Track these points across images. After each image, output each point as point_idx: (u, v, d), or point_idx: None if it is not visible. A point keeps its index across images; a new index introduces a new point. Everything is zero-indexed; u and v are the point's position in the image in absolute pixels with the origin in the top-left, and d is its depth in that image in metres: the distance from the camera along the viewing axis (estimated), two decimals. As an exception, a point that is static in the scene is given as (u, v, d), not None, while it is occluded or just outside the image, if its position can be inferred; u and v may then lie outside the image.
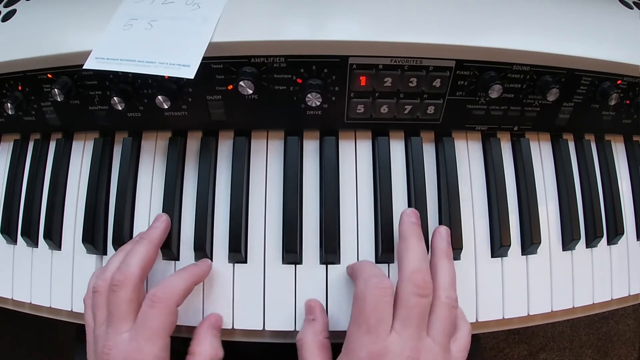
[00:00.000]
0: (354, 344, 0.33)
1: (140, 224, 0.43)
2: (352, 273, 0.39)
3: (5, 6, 0.46)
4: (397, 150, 0.44)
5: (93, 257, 0.44)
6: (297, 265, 0.42)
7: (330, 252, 0.41)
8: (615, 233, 0.46)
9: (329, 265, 0.42)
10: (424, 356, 0.33)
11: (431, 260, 0.38)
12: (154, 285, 0.38)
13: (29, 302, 0.45)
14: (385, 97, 0.41)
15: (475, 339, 0.60)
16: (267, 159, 0.44)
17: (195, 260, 0.42)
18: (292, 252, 0.41)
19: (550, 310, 0.43)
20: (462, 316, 0.39)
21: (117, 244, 0.42)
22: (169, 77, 0.39)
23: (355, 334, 0.34)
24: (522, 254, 0.44)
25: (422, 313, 0.34)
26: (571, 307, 0.44)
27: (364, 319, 0.34)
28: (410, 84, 0.40)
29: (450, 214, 0.42)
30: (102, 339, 0.35)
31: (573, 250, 0.45)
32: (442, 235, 0.39)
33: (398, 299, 0.34)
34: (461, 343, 0.36)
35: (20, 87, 0.43)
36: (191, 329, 0.40)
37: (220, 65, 0.39)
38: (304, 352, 0.37)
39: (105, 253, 0.44)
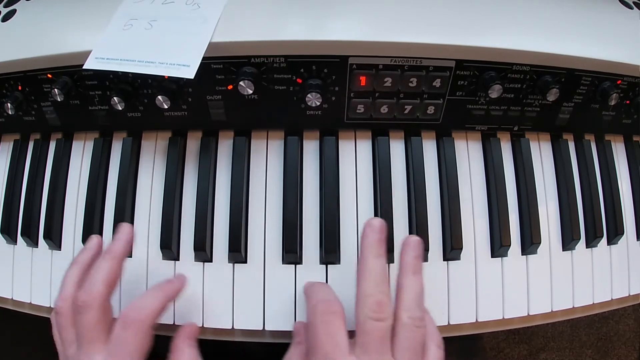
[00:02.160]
0: None
1: (140, 224, 0.43)
2: (305, 295, 0.39)
3: (5, 6, 0.46)
4: (397, 150, 0.44)
5: (93, 257, 0.44)
6: (297, 265, 0.42)
7: (330, 252, 0.41)
8: (615, 233, 0.46)
9: (329, 265, 0.42)
10: None
11: (397, 278, 0.35)
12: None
13: (29, 302, 0.45)
14: (385, 97, 0.41)
15: (475, 339, 0.60)
16: (267, 159, 0.44)
17: (195, 261, 0.42)
18: (292, 252, 0.41)
19: (550, 310, 0.43)
20: (432, 332, 0.36)
21: (117, 244, 0.42)
22: (169, 77, 0.39)
23: None
24: (522, 254, 0.44)
25: (381, 337, 0.32)
26: (571, 307, 0.44)
27: (319, 348, 0.32)
28: (410, 84, 0.40)
29: (450, 214, 0.42)
30: None
31: (573, 250, 0.45)
32: (409, 247, 0.36)
33: (357, 324, 0.33)
34: None
35: (20, 87, 0.43)
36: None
37: (220, 65, 0.39)
38: None
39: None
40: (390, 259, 0.41)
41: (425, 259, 0.42)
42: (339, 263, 0.42)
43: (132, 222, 0.43)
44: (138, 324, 0.34)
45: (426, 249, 0.41)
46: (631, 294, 0.46)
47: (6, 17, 0.44)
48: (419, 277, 0.35)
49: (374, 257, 0.35)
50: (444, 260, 0.43)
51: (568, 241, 0.45)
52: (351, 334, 0.33)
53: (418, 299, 0.34)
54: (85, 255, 0.39)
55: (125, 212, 0.43)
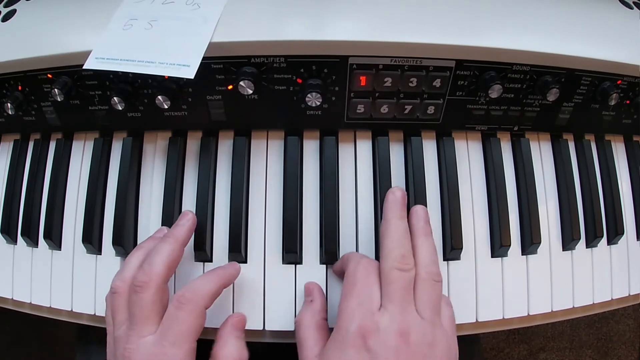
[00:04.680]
0: (345, 318, 0.34)
1: (140, 224, 0.43)
2: (342, 262, 0.40)
3: (5, 6, 0.46)
4: (397, 150, 0.44)
5: (93, 257, 0.44)
6: (297, 265, 0.42)
7: (330, 252, 0.41)
8: (615, 233, 0.46)
9: (329, 265, 0.42)
10: (413, 330, 0.33)
11: (412, 240, 0.37)
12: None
13: (29, 302, 0.44)
14: (385, 97, 0.41)
15: (475, 339, 0.60)
16: (267, 159, 0.44)
17: (194, 261, 0.42)
18: (292, 252, 0.41)
19: (550, 310, 0.43)
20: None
21: (117, 244, 0.42)
22: (169, 77, 0.39)
23: (346, 308, 0.34)
24: (522, 254, 0.44)
25: (405, 287, 0.34)
26: (571, 307, 0.44)
27: (355, 294, 0.34)
28: (410, 84, 0.40)
29: (450, 214, 0.42)
30: (122, 341, 0.34)
31: (573, 250, 0.45)
32: (418, 214, 0.39)
33: (382, 276, 0.35)
34: (446, 317, 0.36)
35: (20, 87, 0.43)
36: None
37: (220, 65, 0.39)
38: (302, 332, 0.37)
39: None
40: None
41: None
42: (339, 263, 0.42)
43: (132, 222, 0.43)
44: (193, 304, 0.35)
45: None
46: (631, 294, 0.46)
47: (6, 17, 0.44)
48: (430, 239, 0.38)
49: (397, 218, 0.37)
50: (444, 260, 0.43)
51: (568, 241, 0.45)
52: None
53: (433, 256, 0.37)
54: (151, 243, 0.39)
55: (126, 213, 0.43)
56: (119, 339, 0.35)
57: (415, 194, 0.42)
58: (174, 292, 0.41)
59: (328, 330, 0.37)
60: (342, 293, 0.36)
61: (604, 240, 0.46)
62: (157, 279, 0.34)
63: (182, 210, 0.43)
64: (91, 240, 0.43)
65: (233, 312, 0.41)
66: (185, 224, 0.38)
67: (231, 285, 0.41)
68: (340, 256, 0.42)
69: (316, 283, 0.41)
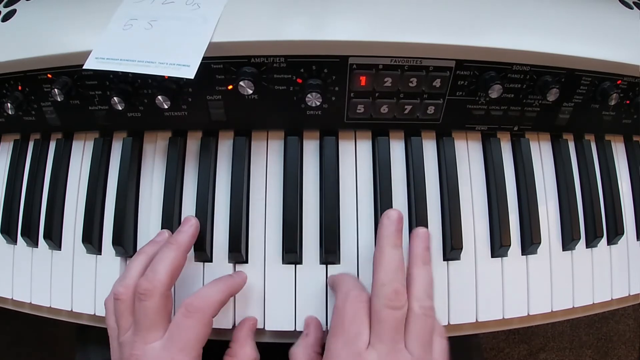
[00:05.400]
0: (332, 357, 0.33)
1: (140, 224, 0.43)
2: (333, 285, 0.39)
3: (5, 6, 0.46)
4: (397, 150, 0.44)
5: (93, 257, 0.44)
6: (297, 265, 0.42)
7: (330, 252, 0.41)
8: (615, 233, 0.46)
9: (329, 265, 0.42)
10: None
11: (407, 268, 0.36)
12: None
13: (29, 302, 0.45)
14: (385, 97, 0.41)
15: (475, 339, 0.60)
16: (267, 159, 0.44)
17: (194, 260, 0.42)
18: (292, 252, 0.41)
19: (550, 310, 0.43)
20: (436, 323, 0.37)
21: (117, 244, 0.42)
22: (169, 77, 0.39)
23: (334, 345, 0.34)
24: (522, 254, 0.44)
25: (396, 326, 0.33)
26: (571, 307, 0.44)
27: (342, 332, 0.34)
28: (410, 84, 0.40)
29: (450, 214, 0.42)
30: (128, 346, 0.34)
31: (573, 250, 0.45)
32: (419, 238, 0.37)
33: (372, 312, 0.34)
34: (438, 350, 0.35)
35: (20, 87, 0.43)
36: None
37: (220, 65, 0.39)
38: None
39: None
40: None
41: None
42: (339, 263, 0.42)
43: (132, 222, 0.43)
44: (201, 312, 0.35)
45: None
46: (631, 294, 0.46)
47: (6, 17, 0.44)
48: (428, 268, 0.36)
49: (391, 247, 0.35)
50: (444, 260, 0.43)
51: (568, 241, 0.45)
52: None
53: (428, 289, 0.35)
54: (153, 247, 0.39)
55: (126, 213, 0.43)
56: (124, 345, 0.35)
57: (415, 194, 0.42)
58: (174, 293, 0.41)
59: None
60: (331, 326, 0.35)
61: (604, 240, 0.46)
62: (160, 286, 0.34)
63: (182, 210, 0.43)
64: (91, 240, 0.43)
65: (234, 312, 0.41)
66: (188, 230, 0.38)
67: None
68: (339, 256, 0.42)
69: (314, 317, 0.40)
